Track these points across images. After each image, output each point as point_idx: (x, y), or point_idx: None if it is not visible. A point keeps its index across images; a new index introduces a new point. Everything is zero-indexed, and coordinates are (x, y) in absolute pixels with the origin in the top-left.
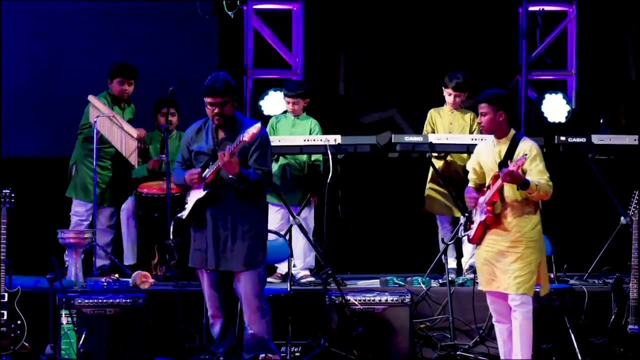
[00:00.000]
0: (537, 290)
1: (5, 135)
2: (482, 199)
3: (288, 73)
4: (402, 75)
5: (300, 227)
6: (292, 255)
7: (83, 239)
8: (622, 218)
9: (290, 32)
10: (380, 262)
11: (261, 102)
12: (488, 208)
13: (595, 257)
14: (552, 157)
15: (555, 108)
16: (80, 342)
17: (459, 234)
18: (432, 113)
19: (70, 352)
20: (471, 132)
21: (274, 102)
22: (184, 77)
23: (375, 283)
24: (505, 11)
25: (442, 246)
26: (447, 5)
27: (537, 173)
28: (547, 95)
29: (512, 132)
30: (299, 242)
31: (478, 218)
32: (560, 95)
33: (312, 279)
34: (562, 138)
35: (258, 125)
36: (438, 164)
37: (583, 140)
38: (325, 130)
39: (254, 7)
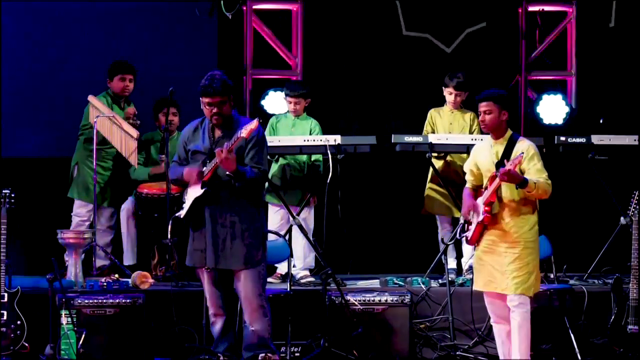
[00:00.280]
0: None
1: (6, 135)
2: (479, 200)
3: (288, 73)
4: (402, 76)
5: (300, 227)
6: (292, 256)
7: (83, 239)
8: (622, 218)
9: (290, 32)
10: (380, 262)
11: (263, 102)
12: (486, 209)
13: (595, 258)
14: (552, 158)
15: (553, 109)
16: (80, 342)
17: (458, 235)
18: (432, 113)
19: (70, 352)
20: (471, 132)
21: (274, 102)
22: (184, 77)
23: (375, 283)
24: (505, 11)
25: (441, 246)
26: (448, 6)
27: (535, 172)
28: (545, 96)
29: (509, 132)
30: (299, 243)
31: (476, 219)
32: (559, 96)
33: (312, 279)
34: (562, 138)
35: (256, 121)
36: (438, 164)
37: (583, 140)
38: (325, 131)
39: (254, 7)
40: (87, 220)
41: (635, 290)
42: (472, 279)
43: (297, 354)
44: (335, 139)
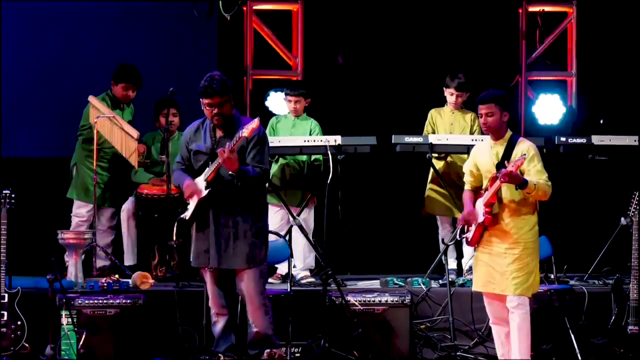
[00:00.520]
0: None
1: (6, 135)
2: (479, 201)
3: (288, 73)
4: (402, 76)
5: (300, 227)
6: (292, 256)
7: (83, 239)
8: (622, 219)
9: (290, 32)
10: (380, 262)
11: (267, 103)
12: (486, 209)
13: (595, 258)
14: (552, 158)
15: (550, 109)
16: (81, 342)
17: (458, 236)
18: (433, 113)
19: (70, 352)
20: (472, 133)
21: (276, 103)
22: (184, 77)
23: (375, 284)
24: (505, 11)
25: (442, 247)
26: (448, 6)
27: (535, 173)
28: (542, 96)
29: (509, 133)
30: (299, 243)
31: (475, 222)
32: (556, 96)
33: (312, 279)
34: (562, 139)
35: (257, 120)
36: (438, 164)
37: (583, 141)
38: (325, 131)
39: (254, 7)
40: (87, 220)
41: (635, 291)
42: (472, 280)
43: (297, 355)
44: (335, 139)
